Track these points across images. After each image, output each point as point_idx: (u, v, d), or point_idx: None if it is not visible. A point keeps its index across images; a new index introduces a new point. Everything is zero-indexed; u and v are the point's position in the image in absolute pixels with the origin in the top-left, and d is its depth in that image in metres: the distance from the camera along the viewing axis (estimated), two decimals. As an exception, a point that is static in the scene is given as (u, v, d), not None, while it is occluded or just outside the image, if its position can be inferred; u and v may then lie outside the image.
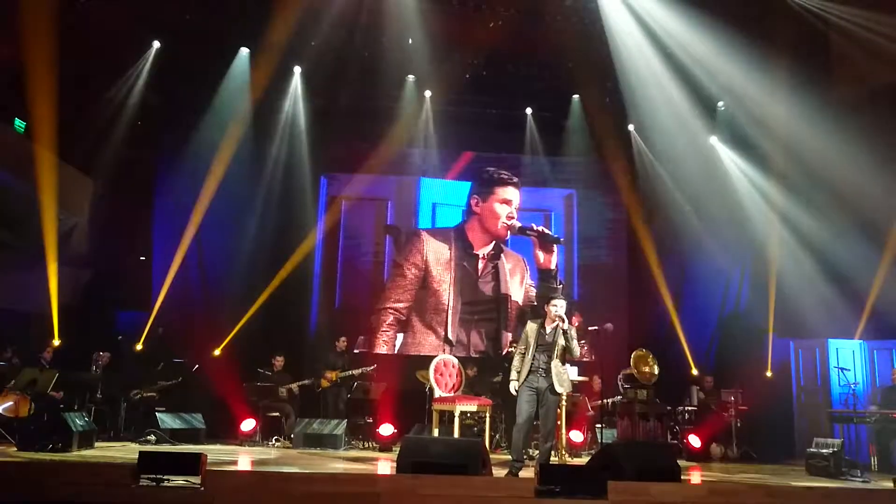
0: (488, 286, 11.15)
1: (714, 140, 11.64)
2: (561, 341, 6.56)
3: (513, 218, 10.57)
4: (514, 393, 6.67)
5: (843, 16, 9.27)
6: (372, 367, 9.84)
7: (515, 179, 10.74)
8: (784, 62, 9.83)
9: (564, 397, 7.81)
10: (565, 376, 6.64)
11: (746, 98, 10.36)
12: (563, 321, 6.67)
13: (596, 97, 11.18)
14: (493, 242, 11.09)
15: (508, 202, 10.62)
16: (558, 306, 6.67)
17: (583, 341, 8.20)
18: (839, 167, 9.36)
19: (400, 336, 11.02)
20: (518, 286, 11.28)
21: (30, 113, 8.89)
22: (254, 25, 9.87)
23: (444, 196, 11.96)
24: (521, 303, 11.14)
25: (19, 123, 9.38)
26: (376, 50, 10.42)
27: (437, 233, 11.35)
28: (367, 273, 11.59)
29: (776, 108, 10.12)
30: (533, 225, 10.15)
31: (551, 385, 6.50)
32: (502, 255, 11.22)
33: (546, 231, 10.18)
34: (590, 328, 8.72)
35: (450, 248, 11.13)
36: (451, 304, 11.00)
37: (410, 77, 11.14)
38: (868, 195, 9.27)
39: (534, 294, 10.96)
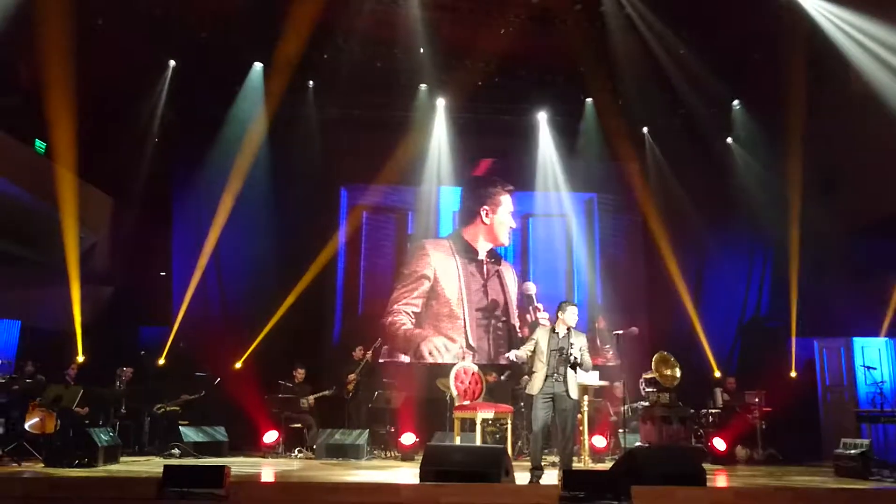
0: (494, 291, 11.40)
1: (729, 140, 11.57)
2: (575, 351, 6.47)
3: (513, 226, 11.48)
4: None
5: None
6: (393, 381, 9.87)
7: (510, 187, 11.49)
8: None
9: (586, 402, 7.79)
10: (577, 383, 6.59)
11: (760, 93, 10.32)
12: (578, 333, 6.65)
13: (609, 100, 11.13)
14: (490, 248, 11.54)
15: (512, 212, 11.41)
16: (571, 312, 6.64)
17: (607, 345, 8.19)
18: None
19: (423, 346, 11.14)
20: (516, 289, 11.55)
21: (50, 133, 9.03)
22: (267, 40, 9.97)
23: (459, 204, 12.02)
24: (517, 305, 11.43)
25: (40, 144, 9.54)
26: (388, 60, 10.47)
27: (438, 243, 11.64)
28: (390, 282, 11.64)
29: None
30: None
31: (567, 390, 6.44)
32: (502, 261, 11.61)
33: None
34: (615, 332, 8.71)
35: (452, 256, 11.47)
36: (465, 310, 11.18)
37: (423, 86, 11.18)
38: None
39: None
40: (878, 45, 8.95)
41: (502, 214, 11.39)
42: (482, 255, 11.49)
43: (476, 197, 11.54)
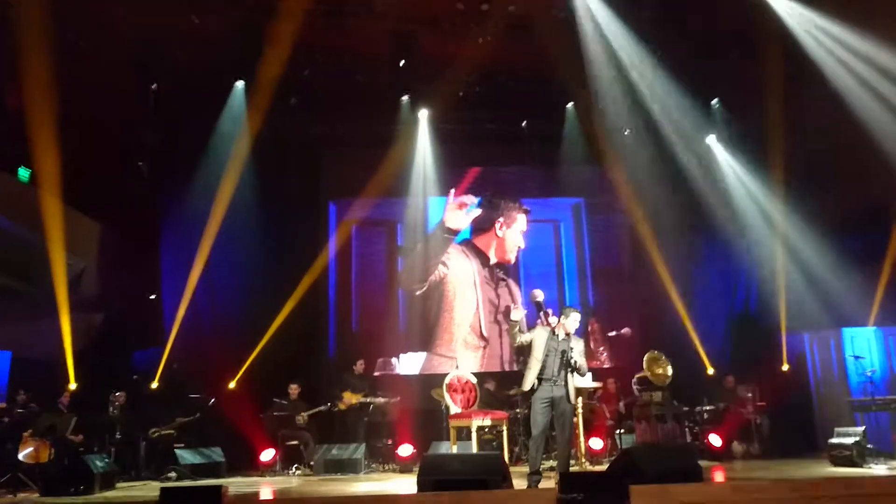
0: (504, 298, 11.65)
1: (711, 139, 11.69)
2: (574, 356, 6.48)
3: (523, 231, 11.77)
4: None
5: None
6: (396, 399, 9.84)
7: (528, 210, 11.76)
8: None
9: (580, 406, 7.81)
10: (573, 387, 6.57)
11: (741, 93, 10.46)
12: (576, 338, 6.66)
13: (589, 105, 11.23)
14: (508, 255, 11.82)
15: (524, 233, 11.75)
16: (573, 318, 6.65)
17: (602, 348, 8.23)
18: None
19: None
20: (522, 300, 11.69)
21: (34, 160, 9.01)
22: (247, 59, 10.00)
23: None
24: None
25: (23, 172, 9.50)
26: (369, 74, 10.53)
27: (462, 245, 11.87)
28: (382, 295, 11.69)
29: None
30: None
31: (567, 394, 6.42)
32: (519, 272, 11.91)
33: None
34: (609, 334, 8.76)
35: (467, 258, 11.76)
36: (479, 304, 11.55)
37: (405, 98, 11.24)
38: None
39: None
40: (841, 48, 9.23)
41: (515, 231, 11.72)
42: (497, 264, 11.80)
43: (494, 208, 11.82)
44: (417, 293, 11.50)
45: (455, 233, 11.62)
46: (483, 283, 11.68)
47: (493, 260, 11.78)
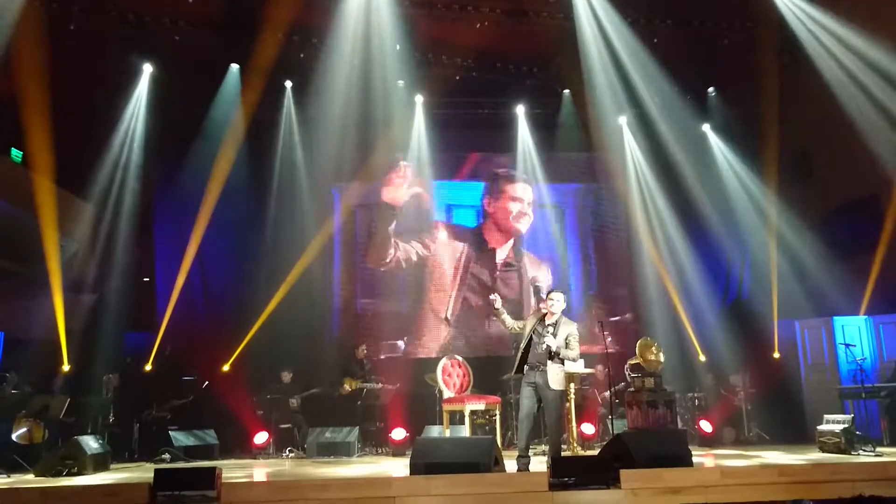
0: (509, 286, 11.58)
1: (706, 128, 11.70)
2: (552, 340, 6.36)
3: (525, 214, 11.64)
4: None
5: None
6: (395, 386, 9.87)
7: (524, 176, 11.66)
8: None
9: (572, 391, 7.84)
10: (561, 374, 6.40)
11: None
12: (568, 322, 6.57)
13: (585, 91, 11.20)
14: (512, 241, 11.76)
15: (519, 199, 11.63)
16: (556, 300, 6.55)
17: (606, 332, 8.25)
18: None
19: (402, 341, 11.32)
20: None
21: (26, 141, 8.95)
22: (242, 42, 9.93)
23: (458, 198, 12.14)
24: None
25: (16, 153, 9.45)
26: (365, 58, 10.47)
27: (454, 228, 11.89)
28: (382, 278, 11.65)
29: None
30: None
31: (547, 381, 6.33)
32: (524, 258, 11.76)
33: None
34: (611, 318, 8.81)
35: (462, 244, 11.75)
36: (452, 295, 11.50)
37: (401, 83, 11.18)
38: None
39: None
40: (833, 40, 9.28)
41: (505, 203, 11.73)
42: (496, 248, 11.75)
43: (484, 189, 11.93)
44: (382, 269, 11.54)
45: (393, 207, 11.59)
46: (467, 267, 11.58)
47: (500, 245, 11.75)
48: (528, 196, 11.76)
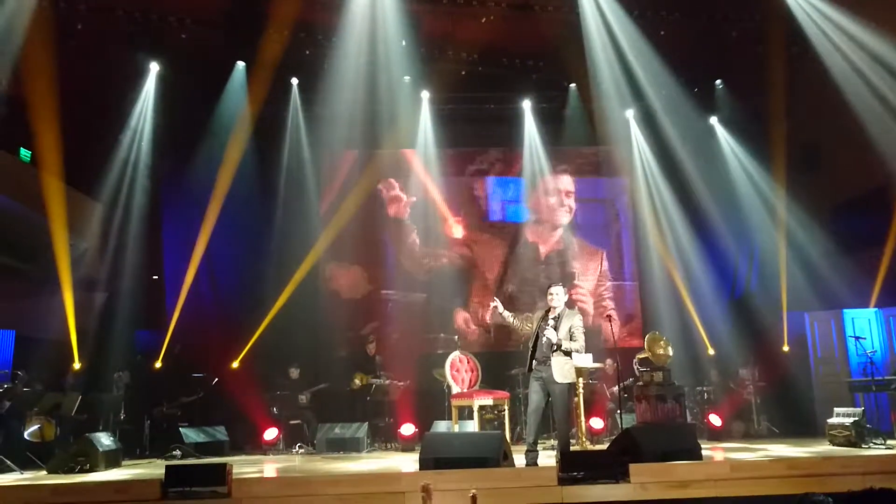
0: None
1: (713, 120, 11.65)
2: (552, 334, 6.32)
3: (564, 205, 11.80)
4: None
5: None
6: (405, 383, 9.87)
7: (564, 167, 11.83)
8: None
9: (581, 386, 7.82)
10: (567, 367, 6.34)
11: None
12: (571, 314, 6.53)
13: (591, 85, 11.16)
14: (559, 232, 11.86)
15: (560, 192, 11.80)
16: (556, 294, 6.53)
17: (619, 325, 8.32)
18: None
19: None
20: (592, 277, 11.79)
21: (35, 141, 9.00)
22: (248, 39, 9.95)
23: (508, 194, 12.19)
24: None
25: (25, 152, 9.50)
26: (371, 54, 10.47)
27: (493, 226, 11.95)
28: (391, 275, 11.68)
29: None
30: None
31: (553, 374, 6.29)
32: (569, 250, 11.82)
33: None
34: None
35: (504, 240, 11.84)
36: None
37: (407, 78, 11.17)
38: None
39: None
40: (840, 33, 9.24)
41: (547, 196, 11.85)
42: (540, 243, 11.86)
43: (524, 184, 11.94)
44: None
45: (400, 220, 11.68)
46: (511, 268, 11.65)
47: (535, 237, 11.82)
48: (570, 187, 11.85)
